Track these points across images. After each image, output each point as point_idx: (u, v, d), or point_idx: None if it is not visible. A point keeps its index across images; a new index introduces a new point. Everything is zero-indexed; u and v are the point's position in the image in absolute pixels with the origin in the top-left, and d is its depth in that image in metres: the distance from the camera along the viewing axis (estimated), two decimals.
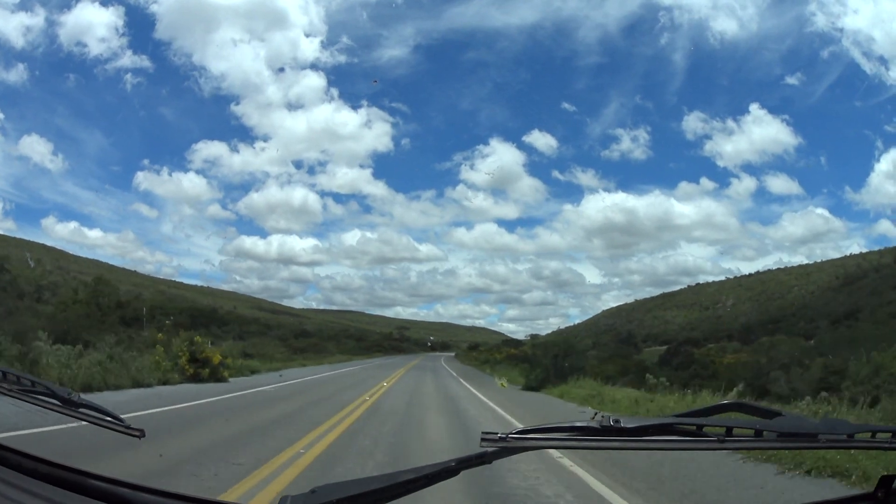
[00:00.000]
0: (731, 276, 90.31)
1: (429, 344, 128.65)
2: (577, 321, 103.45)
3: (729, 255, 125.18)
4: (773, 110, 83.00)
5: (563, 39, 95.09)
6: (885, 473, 1.22)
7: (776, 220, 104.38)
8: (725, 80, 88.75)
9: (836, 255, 79.84)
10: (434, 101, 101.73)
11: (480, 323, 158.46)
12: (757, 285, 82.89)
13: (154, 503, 1.16)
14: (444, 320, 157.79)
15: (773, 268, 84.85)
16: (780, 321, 58.96)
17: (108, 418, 1.41)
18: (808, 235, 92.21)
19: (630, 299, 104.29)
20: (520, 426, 1.16)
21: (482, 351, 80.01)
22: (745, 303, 79.63)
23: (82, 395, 1.44)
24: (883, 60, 63.52)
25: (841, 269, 71.68)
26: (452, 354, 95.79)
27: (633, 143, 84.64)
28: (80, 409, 1.42)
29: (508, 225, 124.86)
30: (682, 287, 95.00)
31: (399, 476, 1.11)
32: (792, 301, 70.71)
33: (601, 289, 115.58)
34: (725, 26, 77.48)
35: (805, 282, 76.22)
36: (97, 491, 1.16)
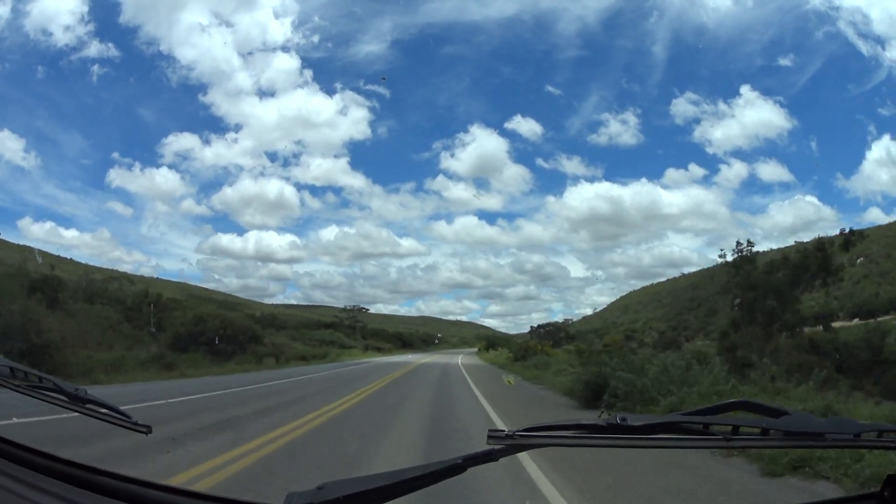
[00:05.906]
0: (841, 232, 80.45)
1: (436, 341, 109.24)
2: (606, 305, 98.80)
3: (716, 246, 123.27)
4: (765, 92, 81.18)
5: (544, 27, 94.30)
6: (892, 473, 1.21)
7: (764, 208, 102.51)
8: (715, 61, 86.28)
9: None
10: (412, 89, 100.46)
11: (463, 318, 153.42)
12: None
13: (163, 500, 1.16)
14: (424, 315, 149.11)
15: None
16: None
17: (115, 414, 1.42)
18: (799, 223, 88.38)
19: (615, 293, 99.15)
20: None
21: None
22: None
23: (89, 391, 1.45)
24: (879, 40, 61.40)
25: None
26: (477, 359, 52.40)
27: (621, 126, 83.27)
28: (87, 405, 1.42)
29: (490, 217, 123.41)
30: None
31: (406, 473, 1.11)
32: None
33: (585, 282, 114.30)
34: (718, 2, 75.96)
35: None
36: (106, 487, 1.16)
